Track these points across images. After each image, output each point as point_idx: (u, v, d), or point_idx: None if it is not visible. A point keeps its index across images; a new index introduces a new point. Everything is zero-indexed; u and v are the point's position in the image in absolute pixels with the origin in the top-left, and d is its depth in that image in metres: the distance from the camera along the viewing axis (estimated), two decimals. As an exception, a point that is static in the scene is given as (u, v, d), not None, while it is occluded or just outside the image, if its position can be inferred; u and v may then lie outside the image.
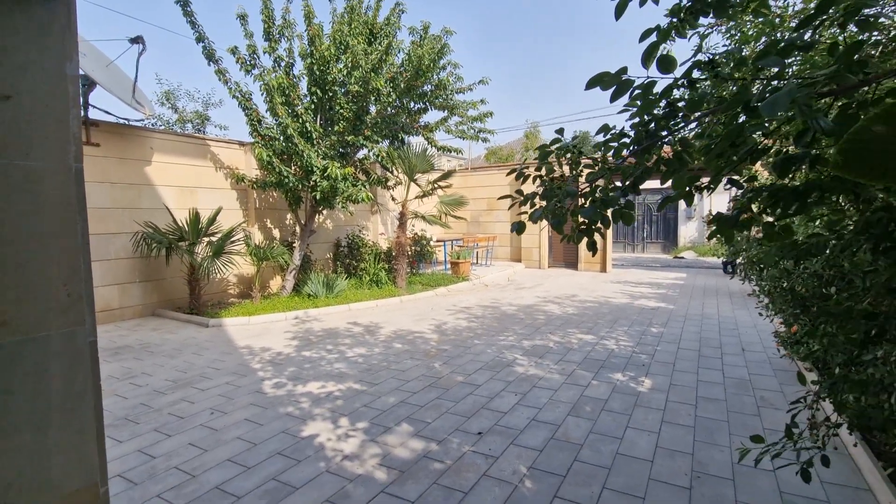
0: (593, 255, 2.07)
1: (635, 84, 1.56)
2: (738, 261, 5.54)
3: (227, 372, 4.74)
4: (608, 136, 2.18)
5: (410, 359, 5.09)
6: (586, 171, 2.24)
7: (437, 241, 12.76)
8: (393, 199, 9.94)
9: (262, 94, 7.73)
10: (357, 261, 10.05)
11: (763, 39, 2.85)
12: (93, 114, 6.81)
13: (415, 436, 3.29)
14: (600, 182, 2.21)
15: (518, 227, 2.21)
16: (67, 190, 1.58)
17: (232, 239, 7.56)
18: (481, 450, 3.08)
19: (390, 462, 2.94)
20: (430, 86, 8.71)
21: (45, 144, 1.53)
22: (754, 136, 1.42)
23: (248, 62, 7.58)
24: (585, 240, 2.17)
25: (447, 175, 10.27)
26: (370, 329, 6.51)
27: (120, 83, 6.75)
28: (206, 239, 7.46)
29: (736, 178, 1.73)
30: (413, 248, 11.07)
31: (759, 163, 2.52)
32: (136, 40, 6.58)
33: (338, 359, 5.13)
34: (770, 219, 1.61)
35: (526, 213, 2.25)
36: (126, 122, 7.38)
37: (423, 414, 3.66)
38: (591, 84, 1.63)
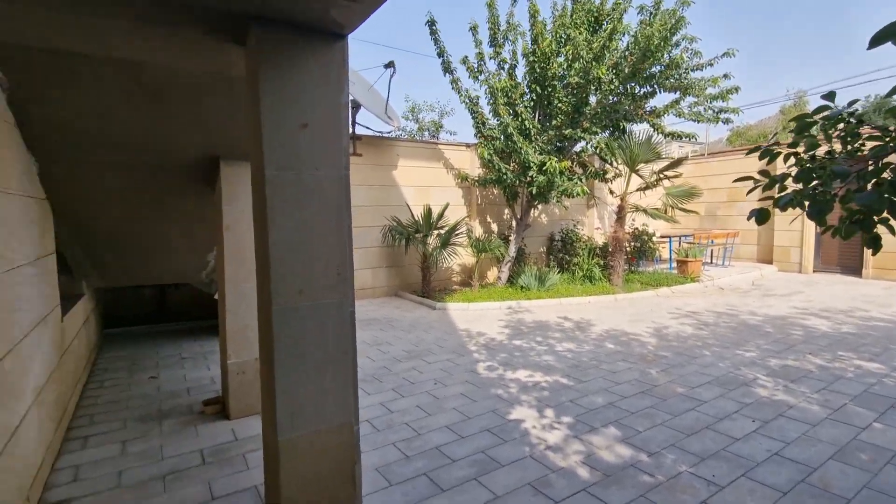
0: (874, 254, 1.59)
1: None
2: None
3: (449, 350, 5.34)
4: (909, 99, 1.66)
5: (623, 361, 4.81)
6: (870, 144, 1.74)
7: (662, 236, 11.58)
8: (611, 192, 9.45)
9: (486, 98, 8.32)
10: (570, 255, 9.93)
11: None
12: (357, 130, 8.48)
13: (623, 441, 3.12)
14: (893, 158, 1.70)
15: (759, 216, 1.86)
16: (340, 193, 2.04)
17: (456, 232, 8.42)
18: (702, 473, 2.72)
19: (594, 462, 2.87)
20: (659, 66, 7.93)
21: (326, 158, 2.02)
22: None
23: (475, 69, 8.26)
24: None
25: (676, 163, 9.20)
26: (581, 325, 6.39)
27: (376, 102, 8.22)
28: (436, 232, 8.50)
29: None
30: (632, 243, 10.31)
31: None
32: (389, 65, 7.89)
33: (546, 351, 5.21)
34: None
35: (773, 198, 1.88)
36: (380, 135, 8.95)
37: (633, 421, 3.43)
38: (876, 41, 1.27)
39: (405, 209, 8.88)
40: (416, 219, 8.52)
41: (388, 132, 9.23)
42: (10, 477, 2.06)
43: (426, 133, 16.14)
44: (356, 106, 7.83)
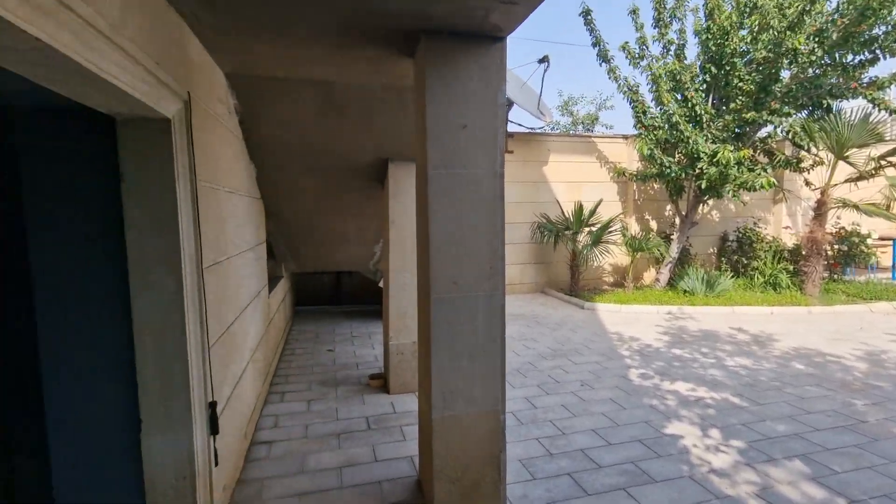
0: None
1: None
2: None
3: (597, 352, 5.12)
4: None
5: (816, 386, 4.03)
6: None
7: (880, 238, 9.30)
8: (807, 184, 7.92)
9: (647, 85, 7.69)
10: (748, 258, 8.62)
11: None
12: (509, 127, 8.59)
13: (811, 480, 2.64)
14: None
15: None
16: (494, 190, 2.13)
17: (609, 229, 7.98)
18: (930, 539, 2.16)
19: (772, 497, 2.48)
20: (884, 27, 6.37)
21: (482, 157, 2.12)
22: None
23: (636, 55, 7.69)
24: None
25: (906, 147, 7.29)
26: (759, 339, 5.52)
27: (529, 98, 8.21)
28: (587, 229, 8.17)
29: None
30: (836, 246, 8.51)
31: None
32: (543, 60, 7.80)
33: (713, 364, 4.64)
34: None
35: None
36: (531, 131, 8.92)
37: (827, 458, 2.87)
38: None
39: (554, 205, 8.72)
40: (567, 215, 8.31)
41: (540, 128, 9.16)
42: (236, 415, 2.64)
43: (580, 127, 15.53)
44: (509, 104, 7.93)
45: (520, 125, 8.80)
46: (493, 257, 2.18)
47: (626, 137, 9.19)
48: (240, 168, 3.06)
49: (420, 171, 2.22)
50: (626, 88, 7.89)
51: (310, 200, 4.34)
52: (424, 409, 2.35)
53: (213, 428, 1.98)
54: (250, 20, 1.87)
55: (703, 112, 7.18)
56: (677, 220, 8.50)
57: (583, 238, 8.17)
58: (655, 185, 9.01)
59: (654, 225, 9.34)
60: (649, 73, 7.58)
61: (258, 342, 3.56)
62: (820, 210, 7.43)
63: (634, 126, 8.16)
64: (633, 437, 3.16)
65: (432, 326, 2.14)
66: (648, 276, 9.22)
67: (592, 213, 8.10)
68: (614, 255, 8.47)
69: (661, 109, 7.61)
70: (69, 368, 1.75)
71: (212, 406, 1.98)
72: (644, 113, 7.88)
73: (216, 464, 2.03)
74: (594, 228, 8.10)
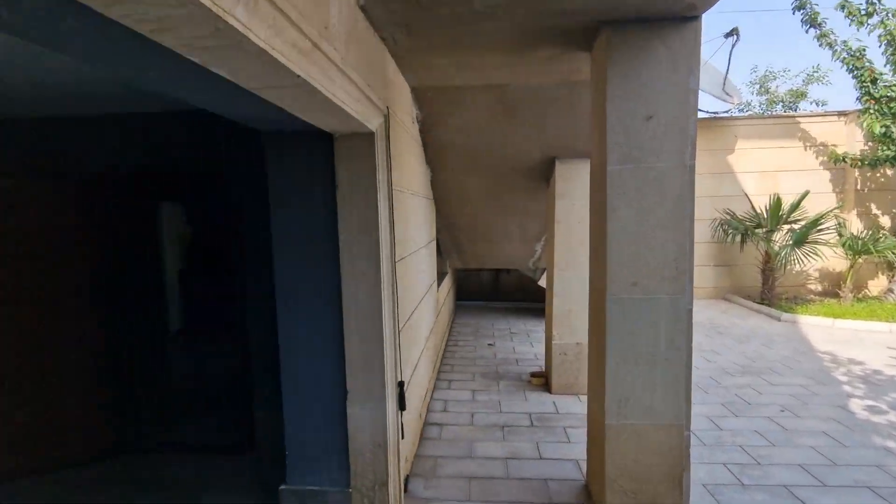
0: None
1: None
2: None
3: (801, 374, 4.30)
4: None
5: None
6: None
7: None
8: None
9: (880, 47, 6.15)
10: None
11: None
12: (686, 113, 7.72)
13: None
14: None
15: None
16: (682, 184, 1.95)
17: (819, 227, 6.62)
18: None
19: None
20: None
21: (669, 148, 1.96)
22: None
23: (862, 12, 6.21)
24: None
25: None
26: None
27: (712, 78, 7.25)
28: (787, 226, 6.90)
29: None
30: None
31: None
32: (731, 33, 6.80)
33: None
34: None
35: None
36: (713, 115, 7.88)
37: None
38: None
39: (742, 199, 7.58)
40: (759, 210, 7.14)
41: (725, 111, 8.03)
42: (414, 395, 2.92)
43: (780, 106, 13.07)
44: (685, 88, 7.13)
45: (700, 109, 7.86)
46: (679, 257, 2.00)
47: (843, 114, 7.50)
48: (419, 172, 3.35)
49: (597, 167, 2.15)
50: (844, 55, 6.44)
51: (477, 200, 4.54)
52: (596, 414, 2.27)
53: (402, 404, 2.22)
54: (440, 37, 2.03)
55: (971, 72, 5.47)
56: (923, 216, 6.63)
57: (780, 237, 6.93)
58: (889, 172, 7.17)
59: (885, 221, 7.44)
60: (882, 31, 6.05)
61: (430, 331, 3.87)
62: None
63: (859, 99, 6.61)
64: (860, 483, 2.58)
65: (607, 328, 2.06)
66: (876, 285, 7.38)
67: (795, 207, 6.81)
68: (825, 258, 6.98)
69: (900, 75, 6.02)
70: (296, 344, 2.14)
71: (400, 385, 2.23)
72: (873, 82, 6.33)
73: (402, 436, 2.28)
74: (796, 226, 6.81)
